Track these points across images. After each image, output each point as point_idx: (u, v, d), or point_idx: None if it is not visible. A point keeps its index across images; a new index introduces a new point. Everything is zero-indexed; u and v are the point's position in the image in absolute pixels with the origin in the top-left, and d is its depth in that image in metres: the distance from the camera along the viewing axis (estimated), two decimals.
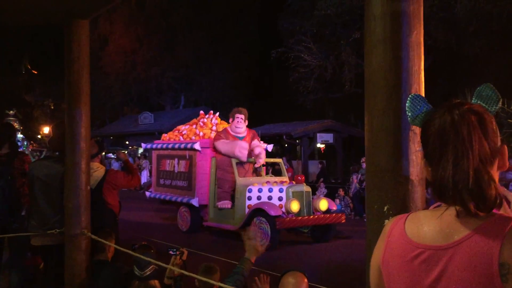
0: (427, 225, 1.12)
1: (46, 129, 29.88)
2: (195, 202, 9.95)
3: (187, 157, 10.39)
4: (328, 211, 9.11)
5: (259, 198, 9.00)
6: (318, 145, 20.57)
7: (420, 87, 1.76)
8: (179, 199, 10.49)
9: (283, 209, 8.63)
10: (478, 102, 1.13)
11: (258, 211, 8.71)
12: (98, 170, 4.79)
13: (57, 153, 4.36)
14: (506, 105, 13.98)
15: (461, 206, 1.04)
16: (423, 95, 1.80)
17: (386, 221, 1.68)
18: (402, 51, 1.69)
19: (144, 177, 21.54)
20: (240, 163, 9.67)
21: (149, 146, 12.27)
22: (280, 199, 8.86)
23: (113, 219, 4.84)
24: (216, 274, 3.12)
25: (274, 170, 12.64)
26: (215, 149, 9.88)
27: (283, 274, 2.55)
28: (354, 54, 19.00)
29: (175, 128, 11.92)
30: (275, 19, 23.37)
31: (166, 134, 11.88)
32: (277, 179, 9.82)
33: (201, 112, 11.74)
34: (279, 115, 22.87)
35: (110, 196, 4.82)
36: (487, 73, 16.41)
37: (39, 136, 33.05)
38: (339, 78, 20.28)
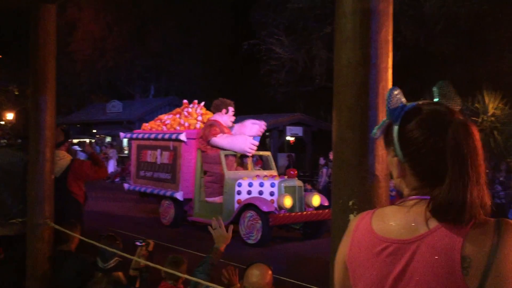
0: (393, 220, 1.14)
1: (9, 116, 29.03)
2: (179, 195, 9.52)
3: (171, 148, 9.93)
4: (320, 206, 8.82)
5: (249, 192, 8.63)
6: (288, 138, 20.70)
7: (387, 84, 1.79)
8: (161, 192, 10.03)
9: (275, 205, 8.29)
10: (442, 100, 1.14)
11: (249, 206, 8.37)
12: (64, 159, 4.69)
13: (19, 141, 4.25)
14: (470, 103, 14.37)
15: (470, 221, 1.04)
16: None
17: (351, 215, 1.70)
18: (371, 49, 1.71)
19: (111, 166, 21.22)
20: (227, 156, 9.27)
21: (128, 135, 11.74)
22: (271, 194, 8.49)
23: (78, 209, 4.75)
24: (182, 266, 3.11)
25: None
26: (208, 144, 9.33)
27: (248, 266, 2.57)
28: (325, 49, 19.14)
29: (157, 118, 11.42)
30: (247, 11, 23.30)
31: (147, 124, 11.38)
32: (266, 173, 9.50)
33: (185, 101, 11.25)
34: (249, 107, 22.86)
35: (75, 186, 4.73)
36: (453, 71, 16.81)
37: (2, 123, 32.10)
38: (310, 72, 20.41)
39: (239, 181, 8.77)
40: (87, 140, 28.51)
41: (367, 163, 1.73)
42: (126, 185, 11.69)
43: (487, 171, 1.10)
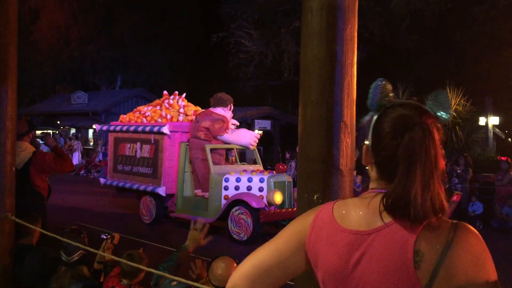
0: (354, 211, 1.17)
1: None
2: (161, 191, 9.01)
3: (152, 141, 9.38)
4: None
5: (237, 188, 8.25)
6: (256, 131, 20.73)
7: (352, 80, 1.82)
8: (142, 188, 9.45)
9: (265, 201, 7.99)
10: (434, 107, 1.16)
11: (237, 203, 8.03)
12: (26, 150, 4.57)
13: None
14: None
15: (420, 220, 1.07)
16: (355, 87, 1.86)
17: None
18: (337, 45, 1.74)
19: (75, 158, 20.80)
20: (214, 150, 8.84)
21: (104, 127, 11.00)
22: (260, 189, 8.13)
23: (41, 202, 4.66)
24: (142, 263, 3.07)
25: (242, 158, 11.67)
26: (214, 139, 8.89)
27: (213, 259, 2.57)
28: (294, 43, 19.21)
29: (135, 109, 10.81)
30: (217, 3, 23.14)
31: (125, 115, 10.72)
32: (253, 167, 9.22)
33: (165, 92, 10.58)
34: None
35: (38, 179, 4.62)
36: (418, 67, 17.19)
37: None
38: (279, 65, 20.47)
39: (226, 176, 8.36)
40: (51, 132, 27.85)
41: (332, 157, 1.75)
42: (102, 180, 11.01)
43: (444, 172, 1.12)
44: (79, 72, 31.29)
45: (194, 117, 9.32)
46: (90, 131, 27.53)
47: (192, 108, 9.86)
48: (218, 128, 8.88)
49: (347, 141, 1.78)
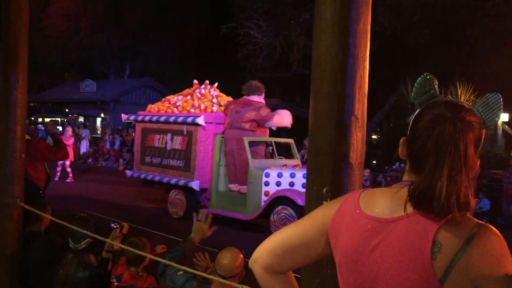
0: (380, 200, 1.19)
1: None
2: (195, 185, 8.54)
3: (185, 132, 8.89)
4: None
5: (278, 184, 7.75)
6: None
7: (364, 74, 1.80)
8: (173, 181, 8.96)
9: None
10: (481, 108, 1.15)
11: (280, 199, 7.57)
12: None
13: None
14: (443, 94, 14.62)
15: (444, 213, 1.07)
16: (367, 81, 1.85)
17: (325, 202, 1.72)
18: (350, 37, 1.72)
19: (83, 147, 20.91)
20: (252, 143, 8.38)
21: (132, 117, 10.34)
22: (304, 186, 7.35)
23: (36, 192, 4.62)
24: (145, 249, 3.12)
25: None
26: (262, 127, 8.59)
27: (219, 250, 2.58)
28: (303, 35, 19.11)
29: (164, 99, 10.31)
30: None
31: (153, 105, 10.23)
32: (293, 162, 8.76)
33: (195, 81, 10.12)
34: (225, 91, 22.74)
35: (32, 168, 4.60)
36: (428, 62, 17.06)
37: None
38: (288, 58, 20.38)
39: (266, 171, 7.87)
40: (59, 119, 27.96)
41: (342, 151, 1.75)
42: (128, 172, 10.45)
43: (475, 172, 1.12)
44: (88, 61, 31.34)
45: (226, 107, 8.89)
46: (98, 120, 27.63)
47: (225, 98, 9.42)
48: (265, 115, 8.50)
49: (357, 135, 1.77)
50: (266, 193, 7.81)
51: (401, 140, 1.22)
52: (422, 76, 1.22)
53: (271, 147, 10.02)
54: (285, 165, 8.11)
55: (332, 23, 1.72)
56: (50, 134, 5.00)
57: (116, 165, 18.39)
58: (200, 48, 30.03)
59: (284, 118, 8.67)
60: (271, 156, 10.37)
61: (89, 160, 19.89)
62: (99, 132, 26.58)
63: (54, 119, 28.19)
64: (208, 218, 2.90)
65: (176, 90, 11.62)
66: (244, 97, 8.80)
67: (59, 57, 30.39)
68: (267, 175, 7.83)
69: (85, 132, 21.50)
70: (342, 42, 1.72)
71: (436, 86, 1.21)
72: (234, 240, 6.99)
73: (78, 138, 20.41)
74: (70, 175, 13.61)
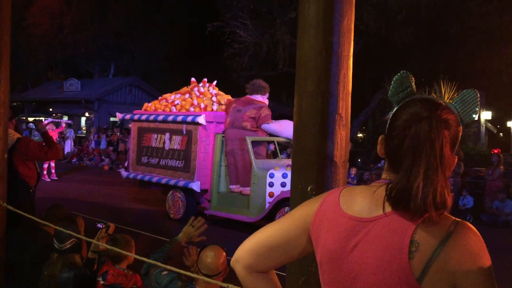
0: (359, 198, 1.19)
1: None
2: (195, 186, 8.28)
3: (185, 132, 8.64)
4: None
5: (283, 185, 7.56)
6: None
7: (348, 72, 1.81)
8: (171, 182, 8.71)
9: None
10: (458, 105, 1.17)
11: (285, 201, 7.31)
12: (9, 137, 4.51)
13: None
14: (427, 93, 14.76)
15: (420, 213, 1.07)
16: (351, 80, 1.86)
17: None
18: (333, 36, 1.73)
19: (67, 146, 20.71)
20: (255, 143, 8.17)
21: (128, 116, 10.05)
22: None
23: (26, 190, 4.58)
24: (126, 249, 3.11)
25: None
26: (259, 128, 8.26)
27: (202, 249, 2.59)
28: (289, 34, 19.15)
29: (161, 97, 9.99)
30: None
31: (149, 104, 9.93)
32: None
33: (193, 79, 9.76)
34: None
35: (22, 166, 4.55)
36: (413, 61, 17.20)
37: None
38: (274, 56, 20.40)
39: (270, 171, 7.66)
40: (42, 118, 27.64)
41: (326, 149, 1.76)
42: (124, 173, 10.13)
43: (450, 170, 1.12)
44: (72, 59, 31.02)
45: (228, 106, 8.65)
46: (83, 119, 27.37)
47: (224, 97, 9.20)
48: (265, 116, 8.22)
49: (341, 134, 1.78)
50: (271, 194, 7.61)
51: (380, 138, 1.23)
52: (399, 74, 1.21)
53: (273, 145, 9.67)
54: (289, 165, 7.85)
55: (316, 22, 1.73)
56: (41, 133, 4.94)
57: (101, 165, 18.26)
58: (186, 47, 29.92)
59: (283, 129, 8.20)
60: (274, 156, 10.21)
61: (74, 160, 19.70)
62: (84, 131, 26.35)
63: (37, 118, 27.85)
64: (201, 228, 2.92)
65: (161, 89, 11.54)
66: (247, 95, 8.57)
67: (43, 56, 30.02)
68: (272, 176, 7.65)
69: (69, 132, 21.29)
70: (326, 41, 1.73)
71: (413, 84, 1.21)
72: (234, 241, 6.82)
73: (62, 138, 20.20)
74: (53, 170, 13.71)
